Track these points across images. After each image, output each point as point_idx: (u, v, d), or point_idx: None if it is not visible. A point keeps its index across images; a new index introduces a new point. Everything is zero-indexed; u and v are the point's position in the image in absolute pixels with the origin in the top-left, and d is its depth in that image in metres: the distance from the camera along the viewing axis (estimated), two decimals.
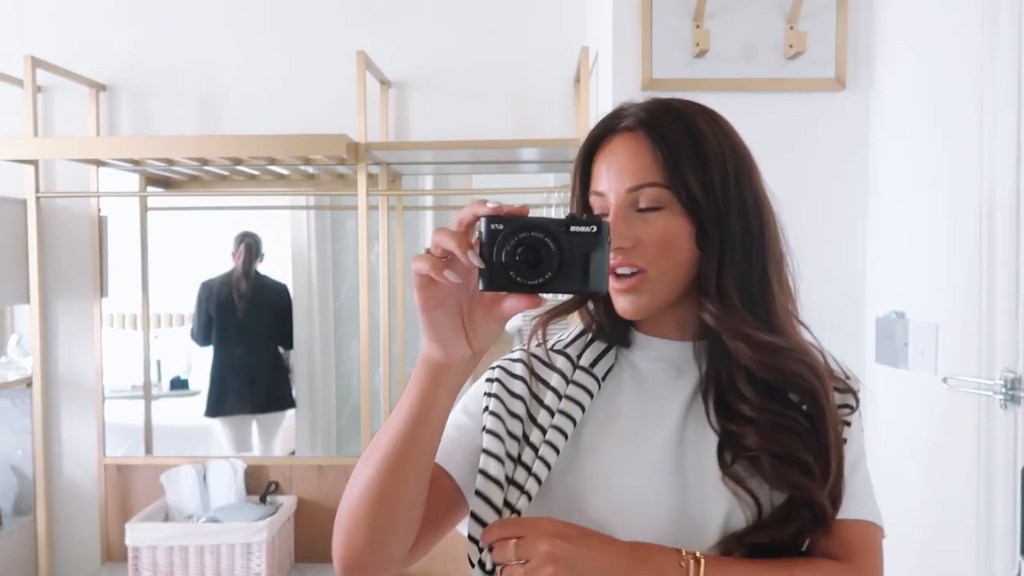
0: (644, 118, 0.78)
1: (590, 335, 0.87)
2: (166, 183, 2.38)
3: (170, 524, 2.04)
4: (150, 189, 2.37)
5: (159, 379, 2.55)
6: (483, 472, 0.79)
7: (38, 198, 2.08)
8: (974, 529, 1.21)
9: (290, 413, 2.49)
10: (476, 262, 0.63)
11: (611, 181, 0.78)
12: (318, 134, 1.89)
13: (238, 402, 2.47)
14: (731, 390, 0.79)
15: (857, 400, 0.84)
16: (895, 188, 1.51)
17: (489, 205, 0.64)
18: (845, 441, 0.80)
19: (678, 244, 0.77)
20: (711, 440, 0.78)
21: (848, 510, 0.79)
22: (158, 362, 2.53)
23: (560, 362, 0.86)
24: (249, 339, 2.49)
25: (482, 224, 0.64)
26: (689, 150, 0.77)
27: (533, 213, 0.66)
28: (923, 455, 1.37)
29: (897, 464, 1.43)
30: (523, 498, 0.78)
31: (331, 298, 2.54)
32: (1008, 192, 1.14)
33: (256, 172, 2.28)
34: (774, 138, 1.57)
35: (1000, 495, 1.15)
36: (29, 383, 2.21)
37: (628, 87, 1.61)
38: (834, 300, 1.56)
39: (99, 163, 2.18)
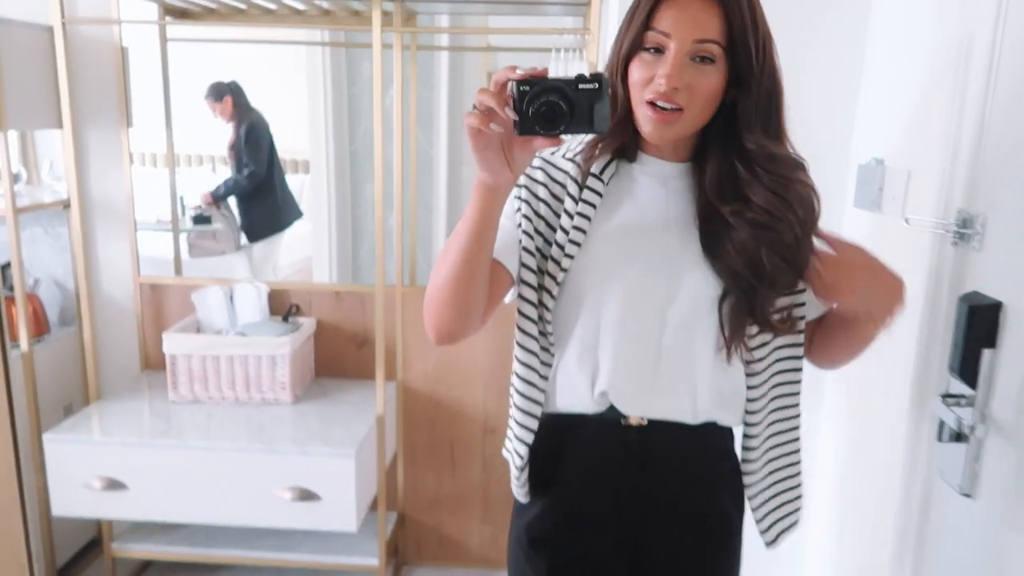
0: None
1: (596, 147, 1.08)
2: (184, 15, 2.41)
3: (203, 335, 2.25)
4: (169, 20, 2.41)
5: (183, 214, 2.68)
6: (523, 264, 1.08)
7: (63, 24, 2.13)
8: (915, 351, 1.36)
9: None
10: (512, 115, 0.86)
11: (680, 28, 0.96)
12: None
13: (275, 223, 2.69)
14: (736, 190, 1.03)
15: None
16: (890, 35, 1.55)
17: (519, 72, 0.85)
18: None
19: (714, 94, 0.98)
20: (691, 236, 1.06)
21: None
22: (181, 198, 2.65)
23: (571, 168, 1.09)
24: (280, 169, 2.63)
25: (513, 87, 0.86)
26: (747, 20, 0.96)
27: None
28: None
29: None
30: (554, 282, 1.07)
31: (347, 141, 2.62)
32: (984, 42, 1.20)
33: (273, 6, 2.30)
34: None
35: (941, 321, 1.29)
36: (66, 205, 2.36)
37: None
38: (821, 145, 1.65)
39: None
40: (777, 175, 1.01)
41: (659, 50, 0.98)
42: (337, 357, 2.46)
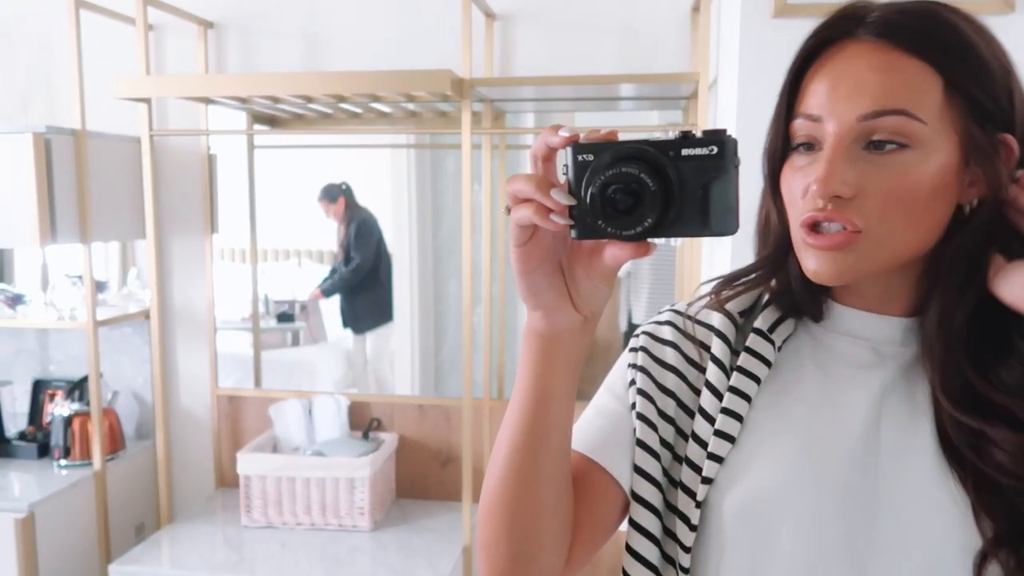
0: (896, 22, 0.60)
1: (763, 294, 0.71)
2: (271, 121, 2.39)
3: (278, 456, 2.10)
4: (256, 127, 2.39)
5: (267, 312, 2.62)
6: (638, 469, 0.67)
7: (151, 136, 2.12)
8: None
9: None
10: (564, 200, 0.51)
11: (835, 103, 0.59)
12: (422, 70, 1.83)
13: (384, 314, 2.60)
14: (977, 381, 0.60)
15: None
16: None
17: (562, 133, 0.51)
18: None
19: (922, 199, 0.58)
20: (920, 442, 0.62)
21: None
22: (266, 296, 2.59)
23: (719, 321, 0.70)
24: (388, 263, 2.57)
25: (568, 156, 0.52)
26: (967, 63, 0.59)
27: None
28: None
29: None
30: (691, 503, 0.65)
31: (430, 238, 2.53)
32: None
33: (359, 110, 2.25)
34: None
35: None
36: (148, 315, 2.30)
37: (757, 14, 1.46)
38: None
39: (208, 101, 2.20)
40: None
41: (812, 145, 0.62)
42: (419, 476, 2.27)
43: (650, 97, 2.13)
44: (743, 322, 0.71)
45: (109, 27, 2.18)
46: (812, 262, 0.61)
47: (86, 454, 2.17)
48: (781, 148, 0.64)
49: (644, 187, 0.50)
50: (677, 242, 2.05)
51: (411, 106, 2.20)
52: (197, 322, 2.37)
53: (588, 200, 0.51)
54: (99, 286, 2.39)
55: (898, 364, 0.66)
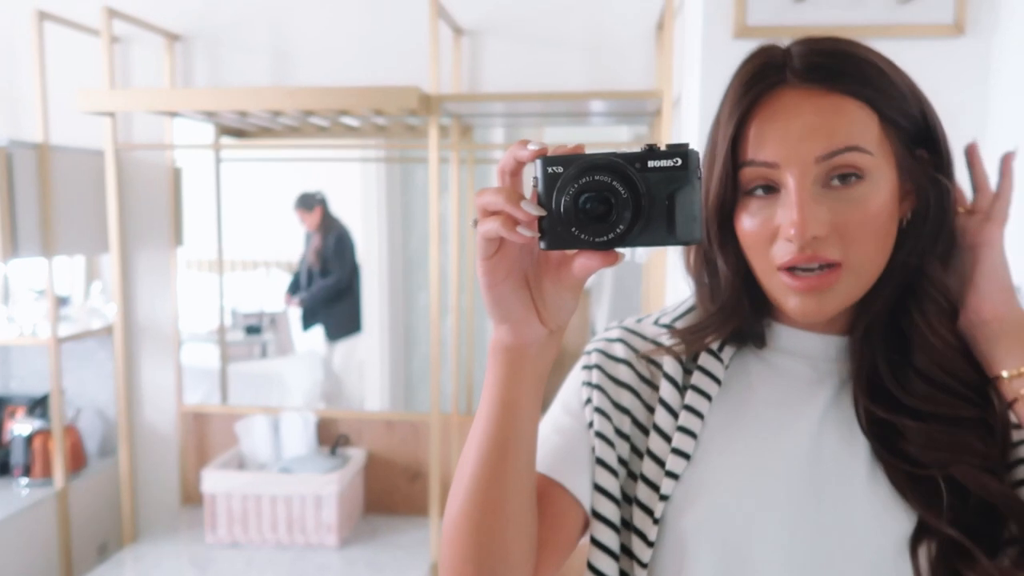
0: (824, 65, 0.63)
1: (704, 326, 0.73)
2: (239, 133, 2.38)
3: (244, 473, 2.08)
4: (224, 140, 2.37)
5: (234, 324, 2.59)
6: (599, 487, 0.69)
7: (116, 150, 2.09)
8: None
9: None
10: (534, 211, 0.52)
11: (790, 148, 0.62)
12: (389, 86, 1.83)
13: (356, 324, 2.58)
14: (891, 385, 0.66)
15: None
16: (1015, 144, 1.36)
17: (531, 147, 0.52)
18: None
19: (884, 222, 0.64)
20: (857, 450, 0.66)
21: None
22: (232, 310, 2.57)
23: (669, 340, 0.73)
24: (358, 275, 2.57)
25: (538, 168, 0.53)
26: (892, 96, 0.64)
27: None
28: None
29: None
30: (648, 520, 0.67)
31: (400, 250, 2.53)
32: None
33: (327, 124, 2.25)
34: None
35: None
36: (111, 330, 2.27)
37: (719, 35, 1.49)
38: None
39: (174, 114, 2.18)
40: (947, 359, 0.66)
41: (768, 188, 0.65)
42: (388, 492, 2.26)
43: (616, 113, 2.16)
44: (692, 339, 0.73)
45: (73, 39, 2.16)
46: (795, 302, 0.65)
47: (47, 472, 2.13)
48: (731, 196, 0.66)
49: (616, 195, 0.52)
50: (642, 259, 2.07)
51: (379, 120, 2.21)
52: (162, 336, 2.34)
53: (561, 209, 0.52)
54: (62, 300, 2.35)
55: (835, 380, 0.70)
